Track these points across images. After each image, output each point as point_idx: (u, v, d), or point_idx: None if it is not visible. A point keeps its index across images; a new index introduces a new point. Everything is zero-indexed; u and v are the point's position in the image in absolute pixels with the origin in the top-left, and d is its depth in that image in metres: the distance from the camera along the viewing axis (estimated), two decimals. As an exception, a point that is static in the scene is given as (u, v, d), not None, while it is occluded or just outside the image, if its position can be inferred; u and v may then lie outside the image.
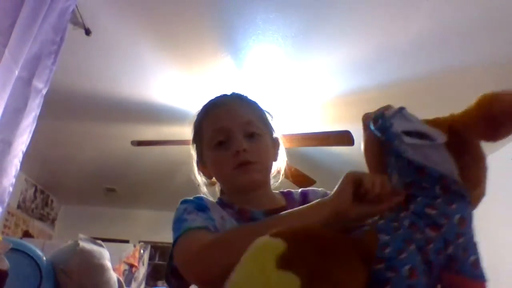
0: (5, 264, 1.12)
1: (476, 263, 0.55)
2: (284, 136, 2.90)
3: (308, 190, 0.94)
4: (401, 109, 0.66)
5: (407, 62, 2.37)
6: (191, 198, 0.90)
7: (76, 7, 1.93)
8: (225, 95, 0.99)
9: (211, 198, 0.93)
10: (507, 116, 0.58)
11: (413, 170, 0.61)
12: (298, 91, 2.69)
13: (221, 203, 0.90)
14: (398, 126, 0.62)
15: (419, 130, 0.62)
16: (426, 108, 3.23)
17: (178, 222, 0.81)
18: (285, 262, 0.48)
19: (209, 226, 0.76)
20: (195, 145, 0.97)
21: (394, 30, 2.13)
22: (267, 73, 2.55)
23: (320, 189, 0.95)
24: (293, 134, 2.67)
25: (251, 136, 0.87)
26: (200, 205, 0.85)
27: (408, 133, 0.61)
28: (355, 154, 3.42)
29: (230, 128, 0.86)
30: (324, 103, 2.78)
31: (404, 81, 2.53)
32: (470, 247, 0.56)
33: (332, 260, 0.51)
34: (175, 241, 0.79)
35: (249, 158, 0.84)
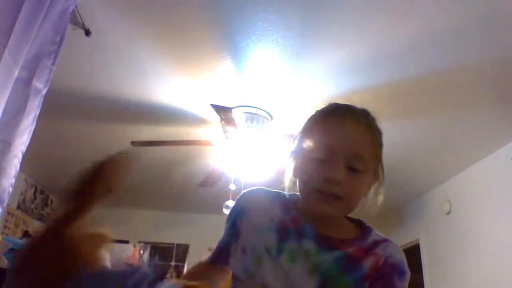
0: (4, 264, 1.12)
1: None
2: (284, 136, 2.90)
3: (384, 243, 0.82)
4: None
5: (406, 62, 2.37)
6: (246, 191, 0.92)
7: (76, 7, 1.93)
8: (351, 109, 0.87)
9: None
10: None
11: None
12: (298, 91, 2.69)
13: (289, 202, 0.86)
14: None
15: None
16: (425, 108, 3.25)
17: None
18: None
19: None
20: (299, 137, 0.89)
21: (393, 30, 2.13)
22: (267, 73, 2.55)
23: (394, 248, 0.82)
24: (293, 134, 2.66)
25: (353, 170, 0.77)
26: (231, 217, 0.90)
27: None
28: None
29: (337, 152, 0.78)
30: (324, 103, 2.77)
31: (403, 81, 2.53)
32: None
33: None
34: None
35: (338, 192, 0.76)
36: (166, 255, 5.38)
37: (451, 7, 1.95)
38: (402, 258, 0.81)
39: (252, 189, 0.92)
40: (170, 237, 5.42)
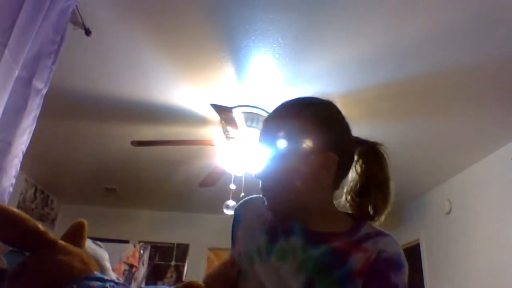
0: (3, 264, 1.12)
1: None
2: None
3: (375, 237, 0.79)
4: None
5: (407, 62, 2.37)
6: (244, 200, 0.95)
7: (76, 7, 1.93)
8: (281, 106, 0.87)
9: None
10: None
11: None
12: (299, 91, 2.69)
13: None
14: None
15: None
16: (425, 108, 3.25)
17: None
18: None
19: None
20: None
21: (394, 30, 2.13)
22: (267, 73, 2.55)
23: (387, 241, 0.79)
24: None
25: (276, 159, 0.81)
26: (232, 226, 0.93)
27: None
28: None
29: (261, 148, 0.84)
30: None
31: (403, 81, 2.53)
32: None
33: None
34: None
35: (263, 185, 0.83)
36: (166, 255, 5.38)
37: (453, 7, 1.95)
38: (396, 251, 0.78)
39: (248, 198, 0.96)
40: (170, 237, 5.43)
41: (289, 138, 0.80)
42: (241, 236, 0.89)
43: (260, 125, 2.94)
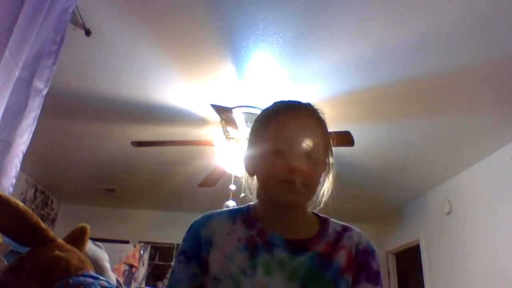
0: (4, 264, 1.12)
1: None
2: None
3: (346, 233, 0.86)
4: None
5: (407, 62, 2.37)
6: (198, 221, 0.89)
7: (77, 7, 1.93)
8: (300, 103, 0.91)
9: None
10: None
11: None
12: (299, 91, 2.69)
13: (250, 214, 0.88)
14: None
15: None
16: (425, 109, 3.25)
17: (172, 269, 0.88)
18: None
19: None
20: (251, 138, 0.92)
21: (394, 30, 2.13)
22: (267, 73, 2.55)
23: (358, 234, 0.87)
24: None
25: (310, 158, 0.82)
26: (192, 250, 0.85)
27: None
28: (355, 154, 3.43)
29: (295, 142, 0.82)
30: (324, 103, 2.78)
31: (403, 81, 2.53)
32: None
33: None
34: None
35: (301, 180, 0.80)
36: (166, 255, 5.38)
37: (452, 7, 1.95)
38: (367, 240, 0.86)
39: (208, 216, 0.89)
40: (170, 237, 5.42)
41: (326, 145, 0.87)
42: (216, 259, 0.82)
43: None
